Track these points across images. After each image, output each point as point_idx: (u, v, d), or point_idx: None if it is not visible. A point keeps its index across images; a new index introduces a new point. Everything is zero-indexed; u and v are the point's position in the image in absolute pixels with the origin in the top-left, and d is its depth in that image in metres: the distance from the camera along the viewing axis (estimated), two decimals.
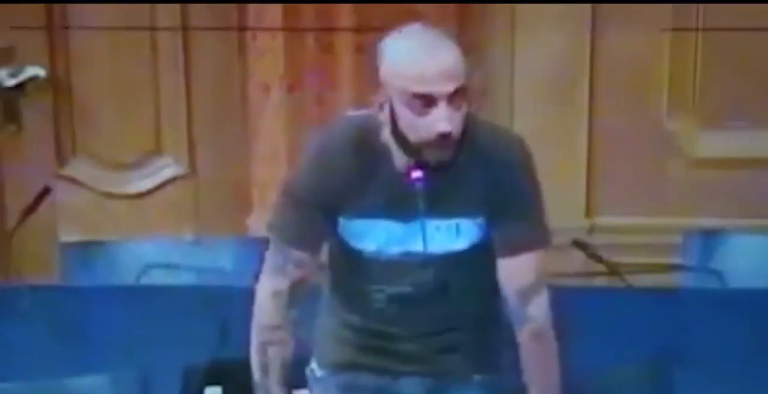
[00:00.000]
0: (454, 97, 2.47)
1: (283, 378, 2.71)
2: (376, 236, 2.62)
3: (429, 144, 2.49)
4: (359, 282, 2.70)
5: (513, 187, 2.58)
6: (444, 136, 2.47)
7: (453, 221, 2.59)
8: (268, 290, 2.67)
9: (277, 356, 2.69)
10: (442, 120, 2.46)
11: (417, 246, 2.60)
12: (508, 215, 2.58)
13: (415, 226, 2.58)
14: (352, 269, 2.70)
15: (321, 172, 2.61)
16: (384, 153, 2.57)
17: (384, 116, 2.53)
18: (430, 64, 2.45)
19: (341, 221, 2.63)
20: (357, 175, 2.58)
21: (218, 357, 3.44)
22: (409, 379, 2.75)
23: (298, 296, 2.67)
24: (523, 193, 2.59)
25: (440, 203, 2.56)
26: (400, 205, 2.58)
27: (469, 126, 2.55)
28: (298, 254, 2.63)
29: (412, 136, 2.50)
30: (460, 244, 2.61)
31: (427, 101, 2.46)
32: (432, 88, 2.45)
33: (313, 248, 2.65)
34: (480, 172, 2.56)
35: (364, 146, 2.58)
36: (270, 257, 2.67)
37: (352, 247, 2.65)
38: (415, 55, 2.47)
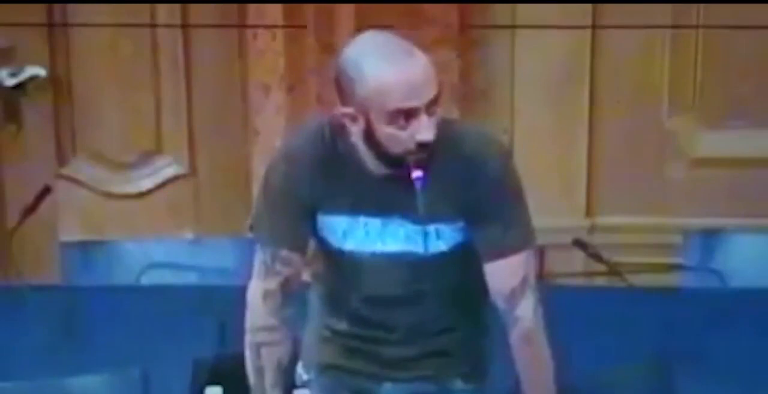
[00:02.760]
0: (431, 104, 2.46)
1: (279, 381, 2.70)
2: (353, 235, 2.61)
3: (409, 153, 2.49)
4: (341, 283, 2.70)
5: (491, 191, 2.56)
6: (424, 145, 2.48)
7: (432, 226, 2.58)
8: (259, 291, 2.67)
9: (271, 358, 2.68)
10: (423, 130, 2.46)
11: (397, 247, 2.60)
12: (488, 219, 2.56)
13: (392, 226, 2.58)
14: (333, 270, 2.70)
15: (292, 170, 2.60)
16: (351, 154, 2.56)
17: (357, 128, 2.51)
18: (408, 79, 2.43)
19: (319, 217, 2.63)
20: (325, 174, 2.58)
21: (218, 357, 3.44)
22: (391, 384, 2.75)
23: (290, 295, 2.66)
24: (501, 196, 2.57)
25: (422, 204, 2.55)
26: (378, 204, 2.57)
27: (445, 131, 2.54)
28: (284, 253, 2.63)
29: (393, 148, 2.49)
30: (441, 247, 2.61)
31: (410, 114, 2.45)
32: (416, 101, 2.44)
33: (298, 246, 2.64)
34: (457, 176, 2.55)
35: (330, 147, 2.58)
36: (257, 258, 2.67)
37: (331, 246, 2.65)
38: (390, 73, 2.44)
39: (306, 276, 2.73)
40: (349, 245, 2.63)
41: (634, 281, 3.90)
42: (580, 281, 4.08)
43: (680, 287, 4.02)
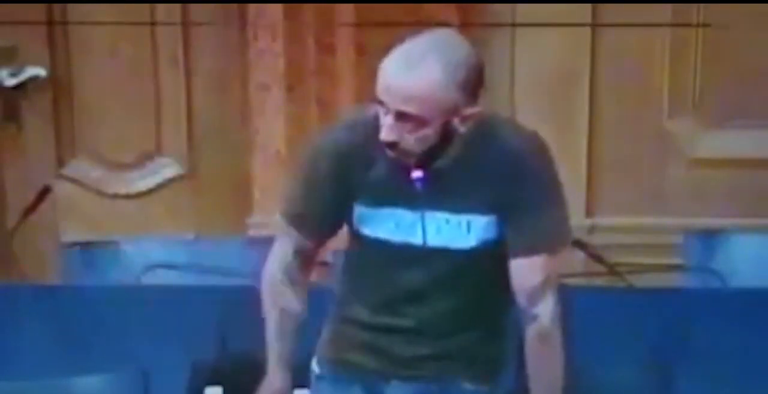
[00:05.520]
0: (404, 119, 2.48)
1: (283, 335, 2.73)
2: (386, 224, 2.63)
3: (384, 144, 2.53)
4: (370, 272, 2.72)
5: (523, 186, 2.58)
6: (387, 144, 2.51)
7: (464, 217, 2.59)
8: (276, 253, 2.72)
9: (278, 309, 2.72)
10: (384, 128, 2.50)
11: (417, 238, 2.62)
12: (518, 214, 2.58)
13: (423, 217, 2.60)
14: (363, 258, 2.72)
15: (339, 158, 2.62)
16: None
17: None
18: (390, 77, 2.47)
19: (355, 206, 2.64)
20: (366, 164, 2.60)
21: (218, 357, 3.44)
22: (399, 382, 2.76)
23: (303, 262, 2.70)
24: (533, 193, 2.59)
25: (451, 197, 2.58)
26: (405, 194, 2.59)
27: (483, 125, 2.56)
28: (296, 234, 2.68)
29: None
30: (470, 241, 2.62)
31: (383, 107, 2.50)
32: (386, 99, 2.48)
33: (322, 233, 2.68)
34: (492, 169, 2.57)
35: (373, 139, 2.59)
36: (278, 225, 2.70)
37: (363, 234, 2.67)
38: (389, 63, 2.48)
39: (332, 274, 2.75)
40: (380, 235, 2.64)
41: (634, 281, 3.90)
42: (580, 281, 4.07)
43: (680, 287, 4.01)
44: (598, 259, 4.03)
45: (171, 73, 4.57)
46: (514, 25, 4.43)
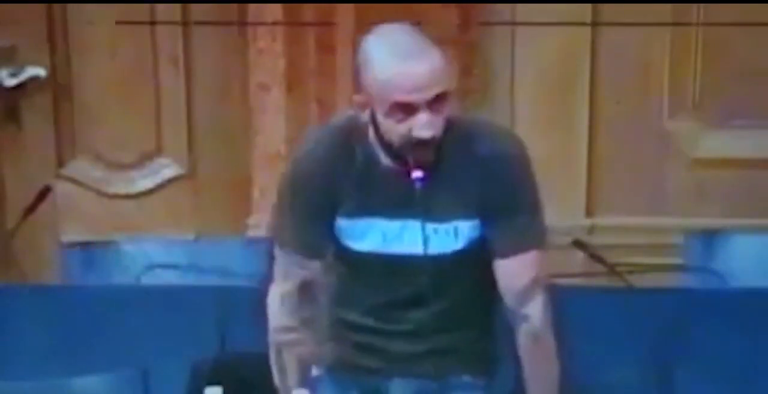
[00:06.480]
0: (434, 103, 2.47)
1: (301, 380, 2.70)
2: (372, 236, 2.62)
3: (409, 147, 2.50)
4: (358, 281, 2.70)
5: (509, 188, 2.58)
6: (424, 142, 2.49)
7: (451, 224, 2.59)
8: (277, 293, 2.68)
9: (292, 357, 2.69)
10: (422, 127, 2.48)
11: (414, 248, 2.60)
12: (505, 216, 2.58)
13: (409, 226, 2.59)
14: (350, 269, 2.70)
15: (312, 174, 2.62)
16: (372, 152, 2.58)
17: (366, 117, 2.55)
18: (410, 74, 2.45)
19: (338, 220, 2.63)
20: (348, 175, 2.59)
21: (218, 357, 3.44)
22: (400, 379, 2.75)
23: (308, 297, 2.67)
24: (518, 194, 2.59)
25: (436, 205, 2.57)
26: (393, 204, 2.59)
27: (462, 128, 2.56)
28: (299, 258, 2.64)
29: (393, 140, 2.52)
30: (458, 244, 2.61)
31: (408, 109, 2.47)
32: (412, 97, 2.46)
33: (317, 251, 2.65)
34: (474, 173, 2.57)
35: (352, 146, 2.59)
36: (276, 260, 2.68)
37: (349, 246, 2.66)
38: (393, 66, 2.46)
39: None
40: (366, 247, 2.63)
41: (634, 281, 3.90)
42: (580, 281, 4.07)
43: (680, 287, 4.01)
44: (598, 259, 4.03)
45: (171, 73, 4.57)
46: (514, 24, 4.43)
